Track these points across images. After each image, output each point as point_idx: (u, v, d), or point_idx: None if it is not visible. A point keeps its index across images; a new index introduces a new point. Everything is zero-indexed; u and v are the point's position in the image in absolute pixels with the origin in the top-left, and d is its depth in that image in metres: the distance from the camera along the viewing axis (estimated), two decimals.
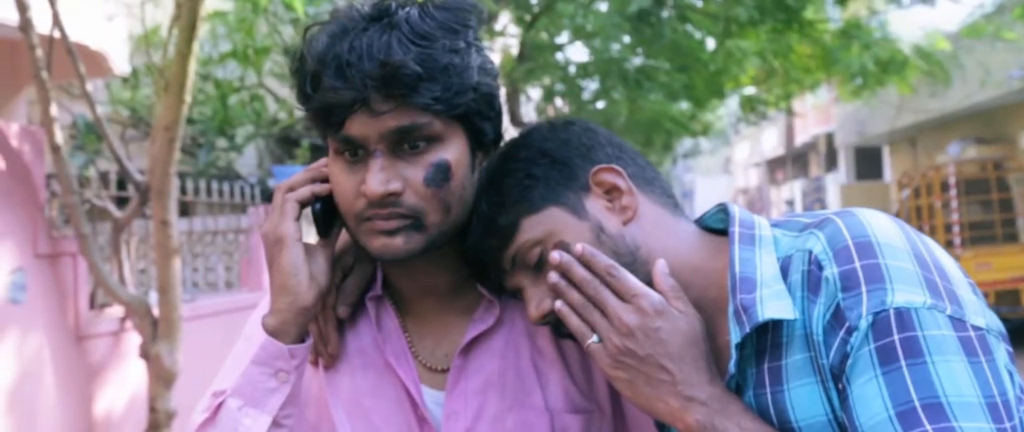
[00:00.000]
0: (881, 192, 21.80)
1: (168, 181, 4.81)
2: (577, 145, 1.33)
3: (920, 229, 13.94)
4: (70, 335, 5.06)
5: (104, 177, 5.59)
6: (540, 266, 1.28)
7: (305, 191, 1.33)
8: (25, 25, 4.54)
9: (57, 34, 4.89)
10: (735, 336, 1.21)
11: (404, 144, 1.26)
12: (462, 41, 1.27)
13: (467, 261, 1.36)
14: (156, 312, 4.99)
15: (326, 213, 1.34)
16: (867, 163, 24.30)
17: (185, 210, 6.85)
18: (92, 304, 5.34)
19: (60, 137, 4.84)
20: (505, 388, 1.40)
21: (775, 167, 34.85)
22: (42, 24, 4.86)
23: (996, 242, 13.63)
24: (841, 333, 1.13)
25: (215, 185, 6.92)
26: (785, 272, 1.22)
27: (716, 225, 1.37)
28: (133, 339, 5.25)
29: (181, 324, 4.95)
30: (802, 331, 1.19)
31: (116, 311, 5.38)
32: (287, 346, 1.30)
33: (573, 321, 1.25)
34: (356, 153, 1.27)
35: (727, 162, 44.43)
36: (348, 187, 1.28)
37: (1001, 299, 11.29)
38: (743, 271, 1.23)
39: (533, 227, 1.28)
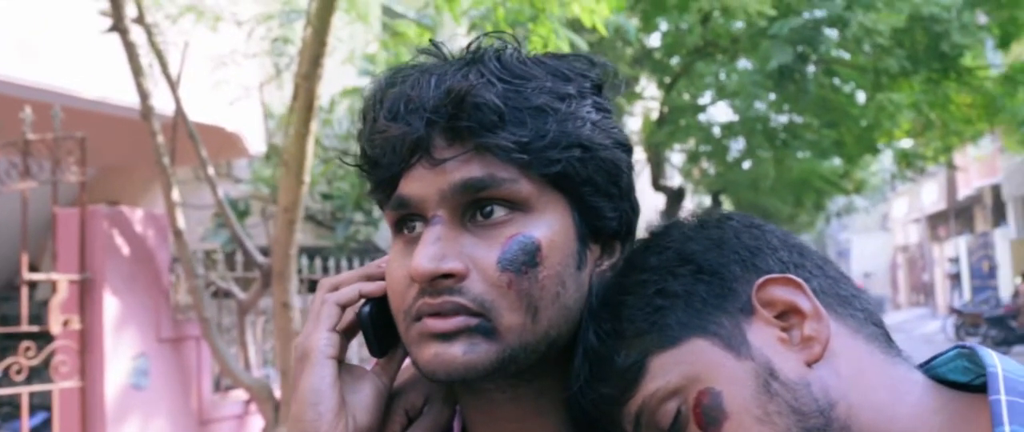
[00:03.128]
0: None
1: (288, 263, 4.74)
2: (735, 247, 0.90)
3: None
4: (194, 419, 5.02)
5: (230, 258, 5.59)
6: (678, 428, 0.85)
7: (350, 290, 0.94)
8: (146, 112, 4.59)
9: (180, 118, 4.94)
10: None
11: (475, 210, 0.88)
12: (572, 88, 0.91)
13: (572, 415, 0.93)
14: (278, 395, 4.89)
15: (380, 322, 0.94)
16: None
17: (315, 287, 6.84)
18: (217, 387, 5.30)
19: (182, 220, 4.85)
20: None
21: (937, 222, 33.08)
22: (170, 108, 4.93)
23: None
24: None
25: (347, 262, 6.89)
26: None
27: (954, 377, 0.88)
28: (258, 422, 5.17)
29: None
30: None
31: (241, 394, 5.33)
32: None
33: None
34: (414, 226, 0.91)
35: (885, 219, 42.52)
36: (400, 275, 0.90)
37: None
38: None
39: (667, 369, 0.85)
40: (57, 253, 4.42)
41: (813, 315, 0.85)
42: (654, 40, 13.32)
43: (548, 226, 0.89)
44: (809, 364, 0.84)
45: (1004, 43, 10.17)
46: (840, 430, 0.81)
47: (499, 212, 0.88)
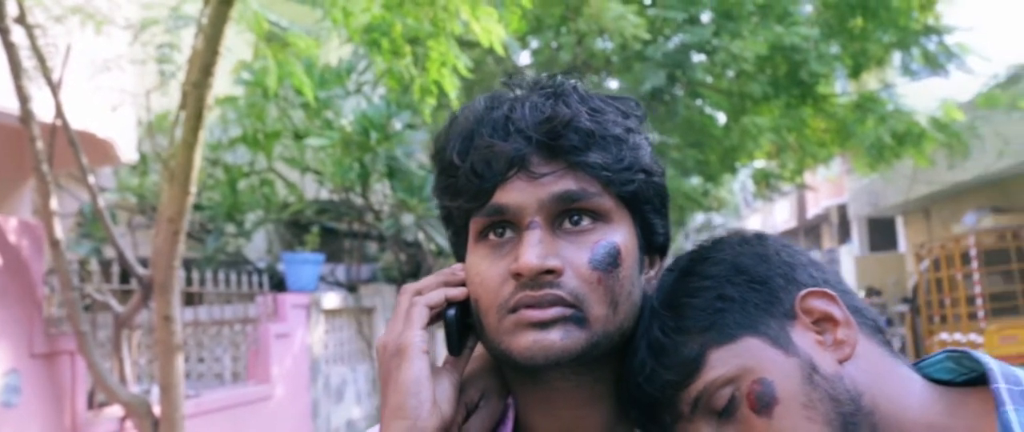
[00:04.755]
0: (896, 263, 21.53)
1: (172, 274, 4.63)
2: (777, 262, 1.08)
3: (941, 302, 13.74)
4: None
5: (106, 269, 5.40)
6: (729, 412, 1.01)
7: (438, 294, 1.07)
8: (25, 117, 4.41)
9: (59, 123, 4.76)
10: None
11: (565, 219, 1.03)
12: (632, 123, 1.09)
13: (631, 399, 1.07)
14: (157, 411, 4.75)
15: (460, 325, 1.08)
16: (881, 234, 24.04)
17: (191, 299, 6.66)
18: (91, 404, 5.11)
19: (60, 230, 4.67)
20: None
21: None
22: (45, 113, 4.74)
23: (1019, 313, 13.35)
24: None
25: (222, 274, 6.74)
26: None
27: (942, 375, 1.08)
28: None
29: (183, 424, 4.72)
30: None
31: (116, 411, 5.15)
32: None
33: None
34: (504, 232, 1.04)
35: None
36: (493, 274, 1.03)
37: None
38: None
39: (725, 361, 1.02)
40: None
41: (845, 323, 1.05)
42: (524, 57, 13.51)
43: (623, 235, 1.06)
44: (840, 362, 1.02)
45: (855, 73, 10.81)
46: (867, 415, 1.00)
47: (585, 221, 1.04)
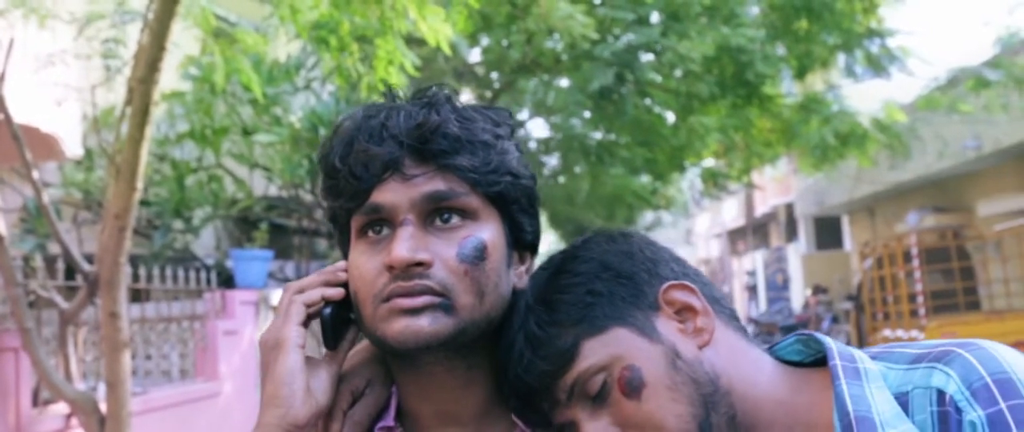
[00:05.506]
0: (842, 261, 21.92)
1: (118, 271, 4.61)
2: (642, 259, 1.19)
3: (884, 300, 14.01)
4: None
5: (51, 265, 5.35)
6: (602, 396, 1.11)
7: (315, 293, 1.15)
8: None
9: (2, 118, 4.71)
10: None
11: (436, 217, 1.13)
12: (502, 131, 1.19)
13: (511, 389, 1.16)
14: (104, 408, 4.74)
15: (336, 321, 1.17)
16: (827, 233, 24.45)
17: (138, 296, 6.61)
18: (36, 401, 5.07)
19: (3, 226, 4.63)
20: None
21: (736, 238, 34.98)
22: None
23: (959, 311, 13.67)
24: None
25: (170, 270, 6.70)
26: (904, 411, 1.07)
27: (792, 357, 1.22)
28: None
29: (130, 421, 4.70)
30: None
31: (61, 408, 5.12)
32: None
33: None
34: (381, 229, 1.14)
35: (688, 234, 44.58)
36: (370, 267, 1.12)
37: None
38: (858, 410, 1.06)
39: (596, 351, 1.11)
40: None
41: (703, 312, 1.17)
42: (475, 55, 13.54)
43: (491, 232, 1.15)
44: (700, 348, 1.14)
45: (800, 74, 11.01)
46: (724, 394, 1.12)
47: (455, 219, 1.14)
